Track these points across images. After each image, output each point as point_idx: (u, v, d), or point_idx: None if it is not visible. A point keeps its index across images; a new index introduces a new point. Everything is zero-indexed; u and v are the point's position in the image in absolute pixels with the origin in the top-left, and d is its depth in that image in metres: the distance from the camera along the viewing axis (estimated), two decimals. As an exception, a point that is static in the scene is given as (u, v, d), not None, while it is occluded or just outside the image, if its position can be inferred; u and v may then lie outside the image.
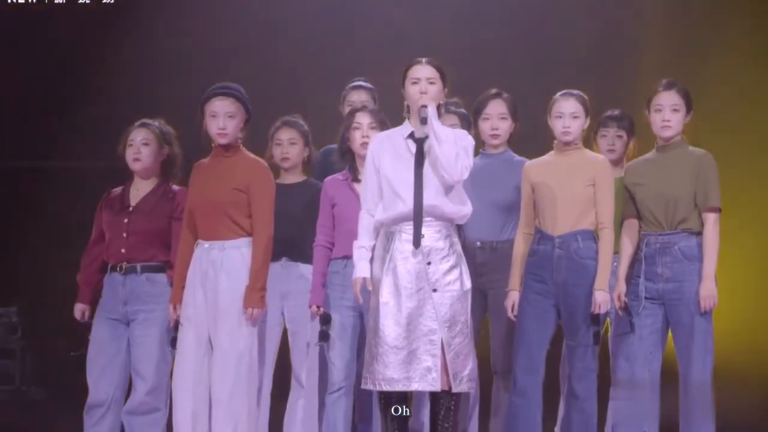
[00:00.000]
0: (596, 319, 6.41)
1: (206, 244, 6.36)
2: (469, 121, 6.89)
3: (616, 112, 7.21)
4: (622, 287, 6.39)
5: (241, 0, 10.50)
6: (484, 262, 6.69)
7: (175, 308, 6.45)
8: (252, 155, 6.52)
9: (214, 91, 6.46)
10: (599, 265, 6.37)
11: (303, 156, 7.02)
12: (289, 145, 6.95)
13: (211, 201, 6.34)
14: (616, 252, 6.51)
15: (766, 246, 8.31)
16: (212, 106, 6.41)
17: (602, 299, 6.32)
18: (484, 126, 6.89)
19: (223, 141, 6.39)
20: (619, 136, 7.17)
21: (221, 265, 6.35)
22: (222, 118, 6.39)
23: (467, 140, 5.87)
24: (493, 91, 6.95)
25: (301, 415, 7.01)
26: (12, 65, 10.56)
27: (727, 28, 10.19)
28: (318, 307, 6.34)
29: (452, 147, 5.72)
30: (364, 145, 6.21)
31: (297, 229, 6.67)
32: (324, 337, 6.32)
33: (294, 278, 6.79)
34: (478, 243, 6.72)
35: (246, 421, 6.38)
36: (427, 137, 5.79)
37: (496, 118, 6.90)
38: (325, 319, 6.30)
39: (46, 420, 8.57)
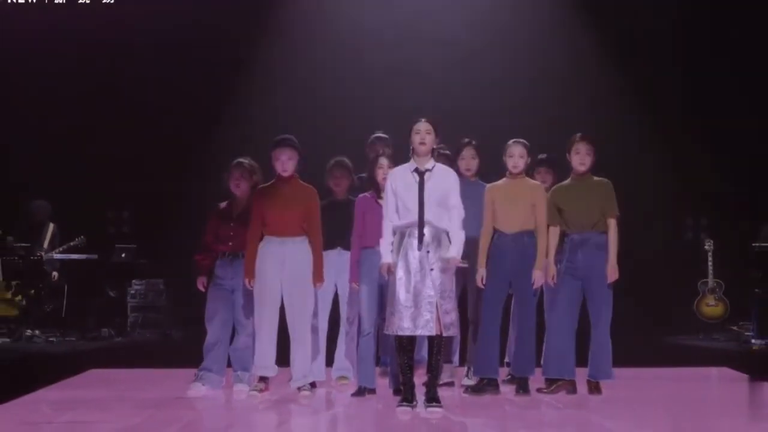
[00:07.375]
0: (535, 289, 6.32)
1: (280, 240, 6.37)
2: (452, 159, 6.74)
3: (551, 156, 7.05)
4: (552, 270, 6.30)
5: (298, 79, 11.01)
6: (469, 252, 6.56)
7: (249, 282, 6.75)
8: (304, 183, 6.85)
9: (277, 142, 6.59)
10: (537, 253, 6.23)
11: (348, 184, 6.92)
12: (339, 177, 6.86)
13: (286, 212, 6.53)
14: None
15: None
16: (277, 152, 6.56)
17: (539, 276, 6.24)
18: (461, 164, 6.77)
19: (285, 175, 6.56)
20: (551, 175, 7.08)
21: (295, 253, 6.62)
22: (283, 160, 6.31)
23: (454, 180, 6.05)
24: (466, 140, 6.84)
25: (345, 348, 7.25)
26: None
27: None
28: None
29: (461, 243, 5.92)
30: (385, 180, 6.14)
31: (346, 229, 6.61)
32: None
33: (345, 262, 6.87)
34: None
35: (310, 348, 6.69)
36: (425, 171, 5.70)
37: (469, 158, 6.74)
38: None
39: (180, 353, 8.53)
